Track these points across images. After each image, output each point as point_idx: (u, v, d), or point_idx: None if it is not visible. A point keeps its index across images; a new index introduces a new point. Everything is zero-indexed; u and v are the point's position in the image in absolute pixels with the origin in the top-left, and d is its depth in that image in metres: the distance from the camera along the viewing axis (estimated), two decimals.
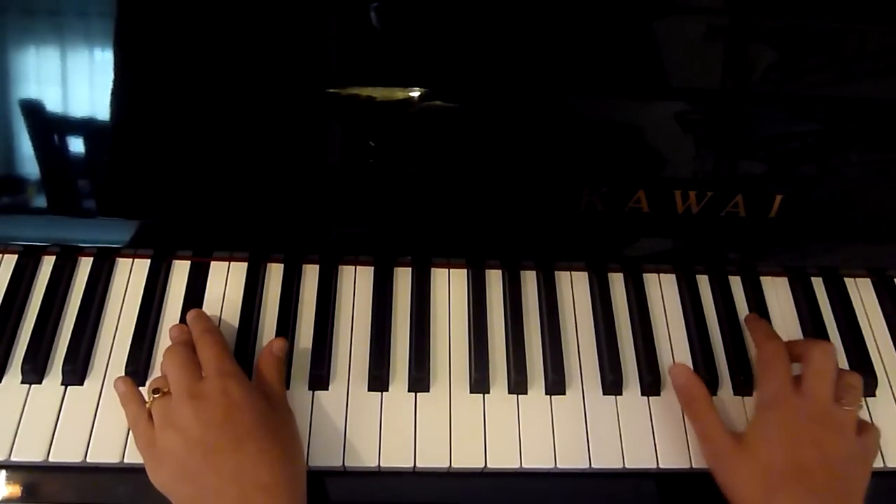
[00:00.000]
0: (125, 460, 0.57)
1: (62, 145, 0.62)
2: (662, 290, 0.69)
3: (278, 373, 0.59)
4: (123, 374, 0.60)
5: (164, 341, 0.62)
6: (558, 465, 0.59)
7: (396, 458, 0.58)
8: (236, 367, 0.57)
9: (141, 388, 0.59)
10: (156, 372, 0.61)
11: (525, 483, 0.60)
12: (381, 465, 0.58)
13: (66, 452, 0.57)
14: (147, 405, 0.55)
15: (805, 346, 0.60)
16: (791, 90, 0.63)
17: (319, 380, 0.61)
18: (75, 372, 0.60)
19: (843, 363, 0.66)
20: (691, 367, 0.65)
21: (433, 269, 0.68)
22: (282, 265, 0.67)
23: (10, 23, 0.60)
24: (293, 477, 0.53)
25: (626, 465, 0.60)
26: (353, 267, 0.67)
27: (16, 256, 0.66)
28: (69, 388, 0.60)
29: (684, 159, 0.63)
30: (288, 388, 0.61)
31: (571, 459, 0.59)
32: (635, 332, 0.66)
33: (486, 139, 0.63)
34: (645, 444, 0.60)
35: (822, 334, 0.67)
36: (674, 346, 0.66)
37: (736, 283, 0.70)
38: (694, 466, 0.60)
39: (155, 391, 0.55)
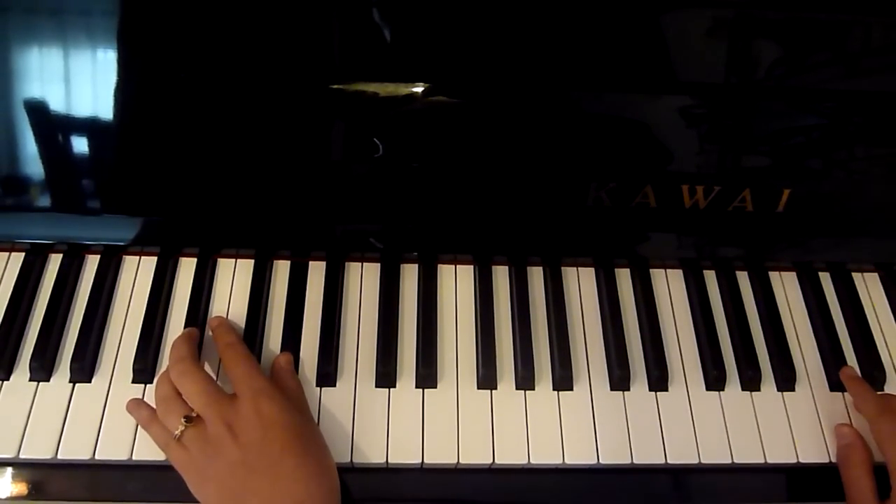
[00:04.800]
0: (134, 457, 0.57)
1: (67, 143, 0.62)
2: (669, 286, 0.69)
3: (296, 381, 0.60)
4: (132, 371, 0.60)
5: (171, 339, 0.62)
6: (566, 461, 0.59)
7: (404, 454, 0.58)
8: (266, 382, 0.56)
9: (141, 385, 0.60)
10: (163, 370, 0.60)
11: (533, 479, 0.60)
12: (389, 461, 0.58)
13: (75, 450, 0.57)
14: (178, 431, 0.54)
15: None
16: (798, 84, 0.63)
17: (327, 377, 0.61)
18: (83, 369, 0.60)
19: (851, 358, 0.66)
20: (699, 360, 0.64)
21: (440, 266, 0.67)
22: (288, 262, 0.67)
23: (13, 21, 0.60)
24: (328, 491, 0.53)
25: (635, 461, 0.59)
26: (360, 263, 0.67)
27: (23, 254, 0.66)
28: (77, 385, 0.60)
29: (692, 154, 0.63)
30: None
31: (579, 455, 0.59)
32: (642, 327, 0.66)
33: (491, 134, 0.63)
34: (653, 440, 0.60)
35: (831, 329, 0.67)
36: (681, 341, 0.66)
37: (743, 278, 0.70)
38: (703, 462, 0.60)
39: (187, 419, 0.54)
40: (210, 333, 0.62)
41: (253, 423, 0.53)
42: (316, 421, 0.59)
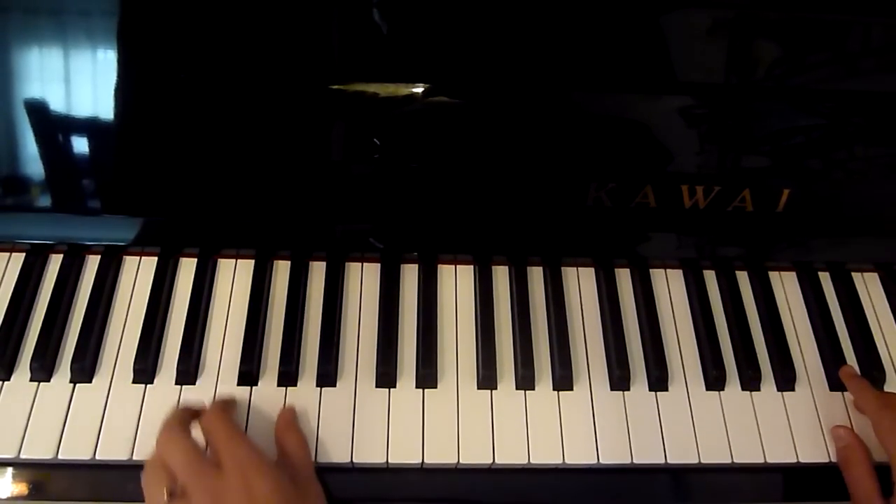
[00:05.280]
0: (134, 457, 0.57)
1: (67, 144, 0.62)
2: (669, 286, 0.69)
3: (297, 441, 0.57)
4: (132, 371, 0.60)
5: (172, 339, 0.62)
6: (566, 461, 0.59)
7: (404, 454, 0.58)
8: (251, 450, 0.52)
9: (141, 385, 0.60)
10: (164, 371, 0.61)
11: (533, 479, 0.60)
12: (389, 461, 0.58)
13: (75, 450, 0.57)
14: None
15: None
16: (797, 84, 0.63)
17: (327, 377, 0.61)
18: (84, 369, 0.60)
19: (851, 358, 0.66)
20: (699, 360, 0.65)
21: (440, 266, 0.68)
22: (289, 262, 0.67)
23: (14, 22, 0.60)
24: None
25: (635, 461, 0.59)
26: (360, 264, 0.67)
27: (23, 255, 0.66)
28: (78, 385, 0.60)
29: (692, 154, 0.63)
30: (296, 385, 0.61)
31: (579, 455, 0.59)
32: (642, 327, 0.66)
33: (491, 135, 0.63)
34: (653, 440, 0.60)
35: (831, 329, 0.67)
36: (681, 341, 0.66)
37: (743, 278, 0.70)
38: (703, 461, 0.60)
39: (170, 494, 0.50)
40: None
41: (242, 501, 0.49)
42: (316, 421, 0.59)
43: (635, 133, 0.63)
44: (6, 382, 0.60)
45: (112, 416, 0.58)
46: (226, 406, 0.58)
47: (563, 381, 0.62)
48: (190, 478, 0.50)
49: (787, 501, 0.61)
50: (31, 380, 0.60)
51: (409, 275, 0.67)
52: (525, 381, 0.62)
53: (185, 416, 0.55)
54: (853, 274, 0.71)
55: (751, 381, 0.64)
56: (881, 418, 0.59)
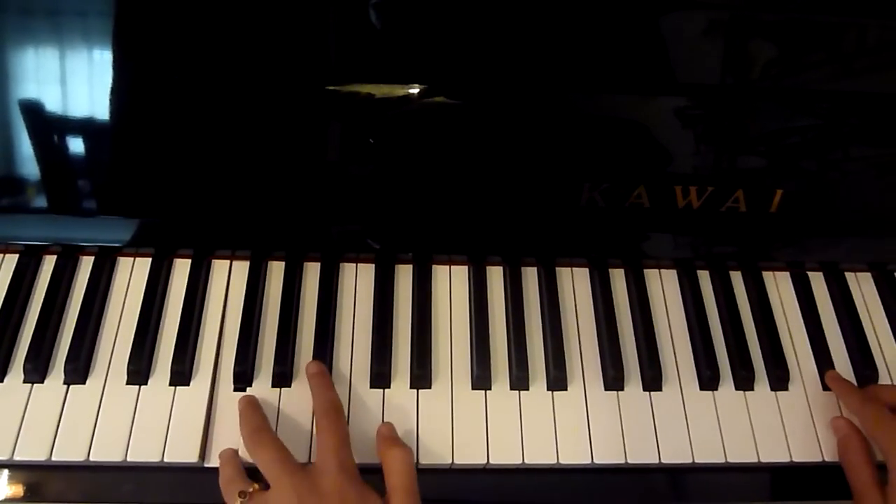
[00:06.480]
0: (128, 458, 0.57)
1: (62, 144, 0.62)
2: (663, 286, 0.69)
3: (404, 451, 0.55)
4: (126, 373, 0.60)
5: (166, 340, 0.62)
6: (560, 461, 0.59)
7: None
8: (353, 462, 0.54)
9: (135, 386, 0.59)
10: (158, 372, 0.61)
11: (527, 479, 0.60)
12: None
13: (69, 451, 0.57)
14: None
15: None
16: (792, 85, 0.63)
17: None
18: (77, 371, 0.60)
19: (845, 358, 0.66)
20: (693, 360, 0.65)
21: (434, 266, 0.68)
22: (283, 263, 0.67)
23: (10, 22, 0.60)
24: None
25: (629, 461, 0.60)
26: (355, 264, 0.67)
27: (17, 256, 0.66)
28: (71, 386, 0.60)
29: (685, 154, 0.63)
30: (290, 385, 0.61)
31: (574, 455, 0.59)
32: (637, 327, 0.66)
33: (486, 135, 0.63)
34: (647, 439, 0.61)
35: (823, 329, 0.67)
36: (675, 341, 0.66)
37: (737, 277, 0.70)
38: (696, 461, 0.60)
39: (241, 494, 0.51)
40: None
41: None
42: (311, 422, 0.59)
43: (629, 133, 0.63)
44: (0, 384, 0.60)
45: (106, 417, 0.58)
46: (338, 398, 0.58)
47: (557, 381, 0.62)
48: (279, 476, 0.52)
49: (780, 500, 0.61)
50: (25, 381, 0.60)
51: (404, 275, 0.67)
52: (519, 381, 0.62)
53: (264, 416, 0.58)
54: (847, 274, 0.71)
55: (744, 381, 0.64)
56: (865, 411, 0.60)
